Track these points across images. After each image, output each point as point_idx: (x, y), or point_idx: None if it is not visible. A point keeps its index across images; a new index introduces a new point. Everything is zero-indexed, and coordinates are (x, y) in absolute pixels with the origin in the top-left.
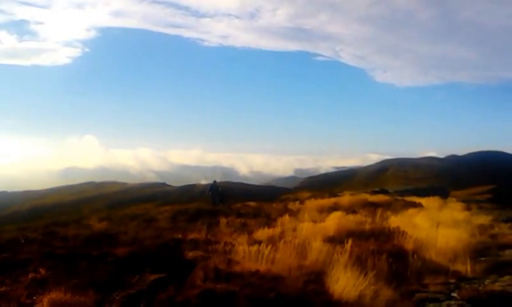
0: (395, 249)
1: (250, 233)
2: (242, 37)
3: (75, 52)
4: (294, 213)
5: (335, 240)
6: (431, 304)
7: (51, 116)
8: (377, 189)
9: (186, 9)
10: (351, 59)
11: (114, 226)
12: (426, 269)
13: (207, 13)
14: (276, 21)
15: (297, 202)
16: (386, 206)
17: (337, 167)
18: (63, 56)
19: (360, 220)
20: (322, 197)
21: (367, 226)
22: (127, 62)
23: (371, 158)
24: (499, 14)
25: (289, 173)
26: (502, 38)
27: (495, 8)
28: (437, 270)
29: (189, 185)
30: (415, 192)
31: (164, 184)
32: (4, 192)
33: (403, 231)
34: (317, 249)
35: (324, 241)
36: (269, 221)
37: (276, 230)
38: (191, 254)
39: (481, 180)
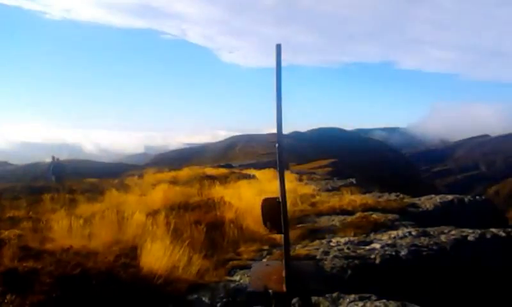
0: (215, 219)
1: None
2: (87, 11)
3: None
4: (127, 188)
5: (158, 213)
6: (242, 271)
7: None
8: (223, 164)
9: None
10: (197, 39)
11: None
12: (243, 238)
13: None
14: None
15: (136, 177)
16: (221, 179)
17: (187, 144)
18: None
19: (188, 192)
20: (163, 172)
21: (194, 198)
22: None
23: (220, 134)
24: (337, 3)
25: (139, 150)
26: (339, 25)
27: None
28: (253, 238)
29: (33, 164)
30: (256, 166)
31: (5, 163)
32: None
33: (227, 202)
34: (136, 222)
35: (147, 214)
36: (99, 197)
37: (103, 206)
38: (6, 234)
39: (322, 154)
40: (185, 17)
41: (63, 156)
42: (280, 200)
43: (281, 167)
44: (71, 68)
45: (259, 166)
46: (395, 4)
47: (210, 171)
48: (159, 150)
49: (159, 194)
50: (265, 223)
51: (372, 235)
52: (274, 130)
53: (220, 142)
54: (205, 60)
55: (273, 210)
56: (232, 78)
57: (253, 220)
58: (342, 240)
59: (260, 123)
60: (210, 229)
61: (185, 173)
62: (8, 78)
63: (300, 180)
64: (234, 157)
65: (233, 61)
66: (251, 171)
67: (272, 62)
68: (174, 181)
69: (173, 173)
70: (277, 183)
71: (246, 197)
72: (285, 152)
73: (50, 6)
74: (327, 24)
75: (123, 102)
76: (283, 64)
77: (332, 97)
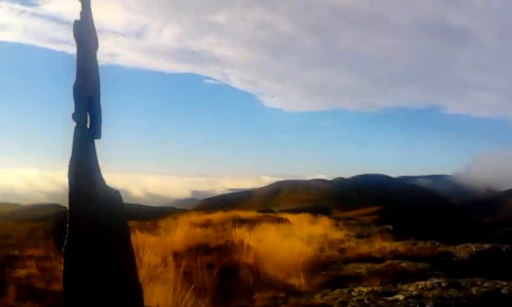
0: (231, 263)
1: None
2: (130, 56)
3: None
4: (155, 229)
5: (177, 254)
6: None
7: None
8: (264, 209)
9: (69, 24)
10: (239, 83)
11: None
12: (259, 283)
13: None
14: (163, 41)
15: (172, 219)
16: (252, 222)
17: (232, 189)
18: None
19: (209, 234)
20: (198, 215)
21: (215, 240)
22: (10, 78)
23: (264, 180)
24: (375, 43)
25: (186, 195)
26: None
27: (370, 37)
28: (270, 284)
29: None
30: (295, 211)
31: (58, 205)
32: None
33: (247, 245)
34: (147, 264)
35: (162, 256)
36: None
37: None
38: (22, 272)
39: (366, 201)
40: (227, 61)
41: None
42: None
43: None
44: (115, 112)
45: (298, 211)
46: (437, 45)
47: (244, 214)
48: (205, 195)
49: (180, 235)
50: None
51: (398, 285)
52: (318, 176)
53: (265, 187)
54: (248, 105)
55: None
56: (274, 123)
57: (272, 264)
58: (365, 289)
59: (303, 168)
60: (223, 274)
61: (219, 216)
62: (61, 123)
63: (336, 225)
64: (278, 202)
65: (276, 106)
66: (287, 216)
67: (315, 106)
68: (205, 224)
69: (207, 216)
70: (308, 228)
71: (269, 240)
72: (328, 198)
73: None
74: (368, 66)
75: (170, 146)
76: (325, 107)
77: (376, 142)
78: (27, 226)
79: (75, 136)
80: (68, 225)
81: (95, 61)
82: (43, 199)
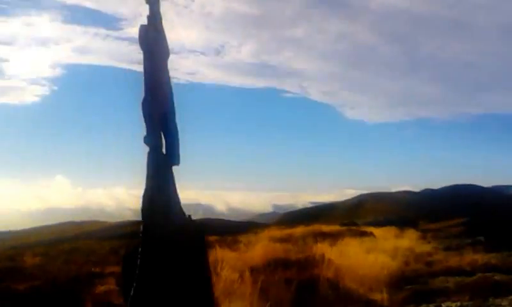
0: (310, 278)
1: None
2: (209, 73)
3: (43, 90)
4: (235, 244)
5: (255, 269)
6: None
7: (21, 156)
8: (346, 222)
9: None
10: (318, 96)
11: (48, 261)
12: (339, 298)
13: (172, 49)
14: (241, 57)
15: (253, 234)
16: (335, 236)
17: (313, 202)
18: (31, 94)
19: (289, 249)
20: (281, 230)
21: (295, 255)
22: (94, 100)
23: (347, 193)
24: (457, 49)
25: (268, 209)
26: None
27: (452, 43)
28: (351, 299)
29: None
30: (380, 224)
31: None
32: None
33: (328, 259)
34: (224, 279)
35: (240, 271)
36: None
37: None
38: (102, 288)
39: (456, 212)
40: (304, 74)
41: (198, 215)
42: None
43: None
44: (197, 129)
45: (383, 224)
46: None
47: (326, 228)
48: (286, 209)
49: (259, 250)
50: None
51: (490, 299)
52: (403, 187)
53: (348, 200)
54: (328, 117)
55: None
56: (356, 134)
57: (354, 279)
58: (454, 304)
59: (387, 180)
60: (302, 288)
61: (300, 230)
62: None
63: (423, 238)
64: (362, 215)
65: (357, 117)
66: (371, 229)
67: (398, 116)
68: (285, 239)
69: (288, 230)
70: (393, 241)
71: (351, 254)
72: (415, 210)
73: (176, 70)
74: (451, 73)
75: (251, 162)
76: (408, 117)
77: (464, 151)
78: (111, 243)
79: (148, 162)
80: (140, 251)
81: (167, 72)
82: (129, 217)
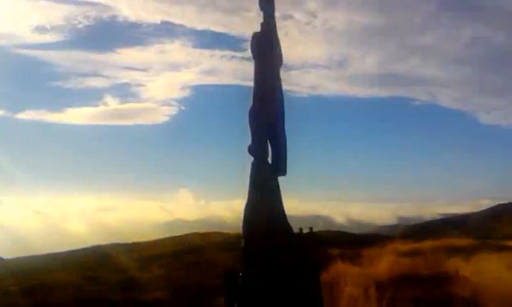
0: (443, 297)
1: None
2: (331, 85)
3: (172, 110)
4: (358, 259)
5: (380, 285)
6: None
7: (154, 171)
8: (482, 236)
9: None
10: (449, 102)
11: (172, 272)
12: None
13: (293, 65)
14: (365, 68)
15: (375, 247)
16: (469, 250)
17: (444, 214)
18: (162, 115)
19: (417, 264)
20: (406, 243)
21: (423, 271)
22: (220, 117)
23: (482, 203)
24: None
25: (392, 221)
26: None
27: None
28: None
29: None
30: None
31: None
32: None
33: (463, 277)
34: (348, 295)
35: (365, 287)
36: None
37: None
38: (222, 300)
39: None
40: (433, 81)
41: (317, 227)
42: None
43: None
44: (319, 142)
45: None
46: None
47: (458, 242)
48: (412, 221)
49: (384, 265)
50: None
51: None
52: None
53: (483, 211)
54: (460, 124)
55: None
56: (492, 140)
57: (494, 299)
58: None
59: None
60: None
61: (428, 244)
62: None
63: None
64: (499, 228)
65: (493, 122)
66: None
67: None
68: (412, 253)
69: (414, 244)
70: None
71: (489, 271)
72: None
73: (298, 84)
74: None
75: (375, 172)
76: None
77: None
78: (233, 254)
79: (251, 172)
80: (241, 269)
81: (279, 80)
82: None
